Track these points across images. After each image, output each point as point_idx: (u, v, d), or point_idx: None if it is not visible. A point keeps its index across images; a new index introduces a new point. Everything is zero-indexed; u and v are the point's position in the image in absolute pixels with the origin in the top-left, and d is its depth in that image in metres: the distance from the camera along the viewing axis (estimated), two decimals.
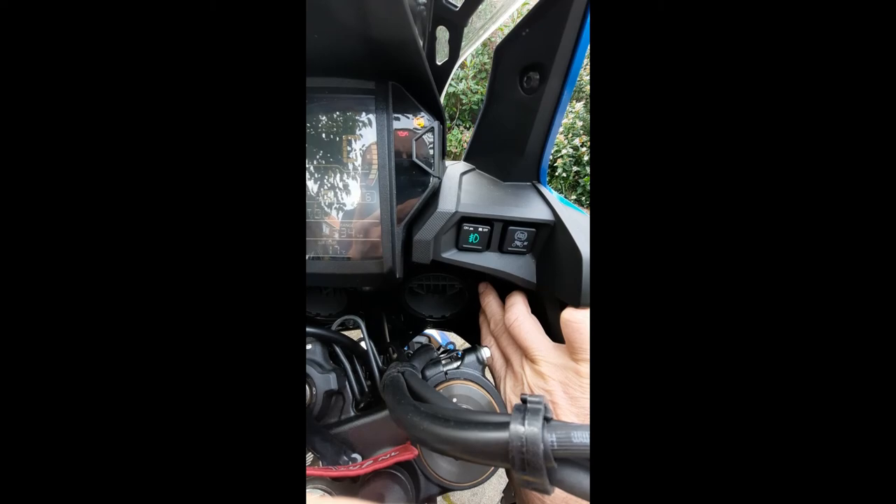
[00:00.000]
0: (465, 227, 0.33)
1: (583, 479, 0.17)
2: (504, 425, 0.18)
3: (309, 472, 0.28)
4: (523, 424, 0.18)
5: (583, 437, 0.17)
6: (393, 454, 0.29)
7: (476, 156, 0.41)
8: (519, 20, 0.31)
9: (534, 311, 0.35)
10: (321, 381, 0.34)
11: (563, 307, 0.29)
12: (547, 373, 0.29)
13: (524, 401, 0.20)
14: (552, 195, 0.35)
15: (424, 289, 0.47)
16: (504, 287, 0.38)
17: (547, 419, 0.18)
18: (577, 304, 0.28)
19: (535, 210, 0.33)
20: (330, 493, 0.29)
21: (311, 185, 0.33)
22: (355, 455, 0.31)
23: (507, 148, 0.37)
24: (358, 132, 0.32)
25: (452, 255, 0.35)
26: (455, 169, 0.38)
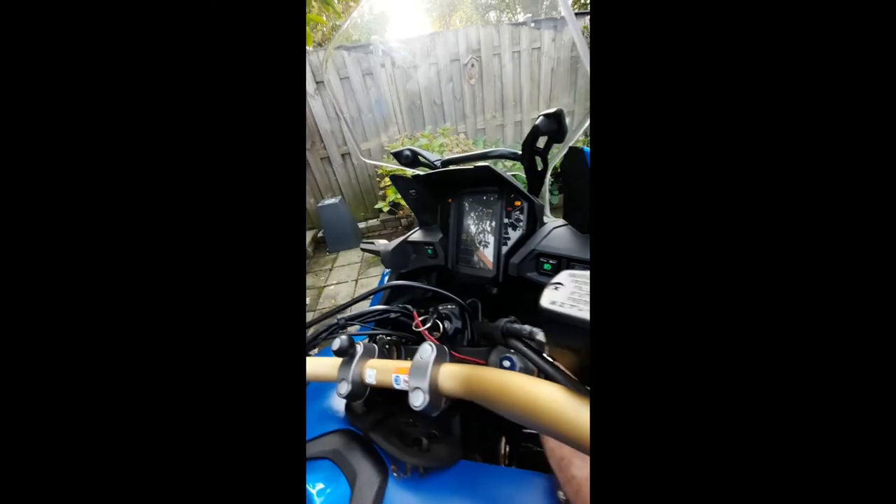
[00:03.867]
0: (541, 259, 0.59)
1: None
2: None
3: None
4: None
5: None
6: None
7: (567, 215, 0.61)
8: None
9: None
10: (455, 322, 0.58)
11: None
12: None
13: None
14: None
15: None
16: None
17: None
18: None
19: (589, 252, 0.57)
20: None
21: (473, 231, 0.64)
22: None
23: (581, 211, 0.56)
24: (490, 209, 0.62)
25: (534, 275, 0.61)
26: (552, 224, 0.60)
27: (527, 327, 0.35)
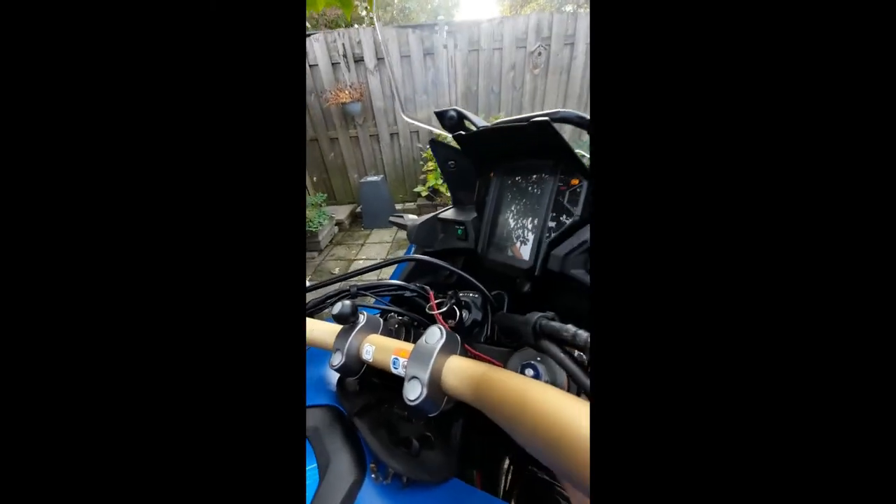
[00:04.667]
0: None
1: None
2: None
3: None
4: None
5: None
6: None
7: None
8: None
9: None
10: (475, 312, 0.50)
11: None
12: None
13: None
14: None
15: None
16: None
17: None
18: None
19: None
20: None
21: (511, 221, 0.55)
22: None
23: None
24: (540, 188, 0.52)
25: (580, 273, 0.50)
26: None
27: (570, 327, 0.26)
